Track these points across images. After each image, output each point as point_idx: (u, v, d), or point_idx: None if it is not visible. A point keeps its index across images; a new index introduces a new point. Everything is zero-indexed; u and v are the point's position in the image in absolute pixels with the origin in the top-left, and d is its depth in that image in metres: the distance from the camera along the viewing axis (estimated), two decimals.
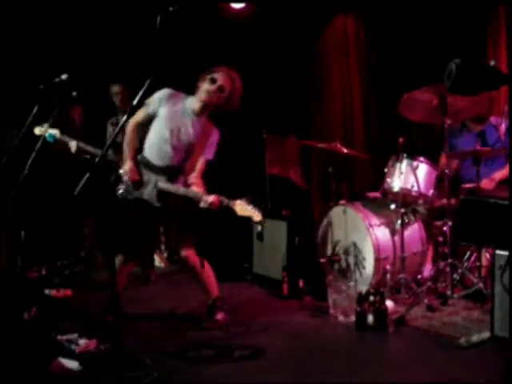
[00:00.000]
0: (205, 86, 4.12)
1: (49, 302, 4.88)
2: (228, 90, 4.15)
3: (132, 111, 2.74)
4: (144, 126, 4.22)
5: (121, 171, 4.15)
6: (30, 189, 4.15)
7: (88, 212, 6.51)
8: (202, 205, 4.01)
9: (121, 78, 5.58)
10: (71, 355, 3.74)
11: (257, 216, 3.93)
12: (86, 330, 4.10)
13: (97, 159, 2.61)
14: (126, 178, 4.16)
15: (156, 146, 4.18)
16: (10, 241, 5.49)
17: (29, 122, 3.96)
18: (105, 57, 4.98)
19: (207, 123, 4.24)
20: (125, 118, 2.72)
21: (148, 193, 4.15)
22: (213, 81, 4.12)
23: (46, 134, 4.50)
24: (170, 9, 2.70)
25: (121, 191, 4.13)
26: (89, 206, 6.22)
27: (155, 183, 4.13)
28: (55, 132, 4.59)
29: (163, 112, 4.18)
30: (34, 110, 3.99)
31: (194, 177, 4.18)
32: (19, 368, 3.36)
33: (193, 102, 4.20)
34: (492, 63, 1.90)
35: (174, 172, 4.16)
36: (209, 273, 4.40)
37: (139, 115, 4.19)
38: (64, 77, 4.04)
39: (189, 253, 4.29)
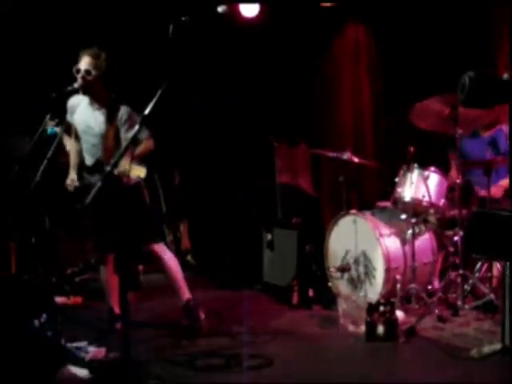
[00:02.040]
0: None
1: (58, 310, 4.89)
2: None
3: (143, 121, 2.74)
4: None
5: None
6: (42, 196, 4.18)
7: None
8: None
9: (132, 86, 5.61)
10: (80, 363, 3.74)
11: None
12: (95, 337, 4.10)
13: (108, 168, 2.61)
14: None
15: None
16: (21, 248, 5.51)
17: (41, 130, 3.99)
18: (116, 65, 4.99)
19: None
20: (136, 127, 2.72)
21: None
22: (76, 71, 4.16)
23: (48, 128, 4.56)
24: (182, 19, 2.72)
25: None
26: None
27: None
28: (54, 126, 4.65)
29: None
30: (47, 118, 4.02)
31: None
32: (28, 375, 3.36)
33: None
34: (505, 76, 1.89)
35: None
36: (177, 270, 4.46)
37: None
38: (76, 85, 4.08)
39: (155, 247, 4.38)
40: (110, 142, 4.18)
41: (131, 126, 4.15)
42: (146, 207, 4.43)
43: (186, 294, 4.46)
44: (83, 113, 4.30)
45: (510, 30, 5.19)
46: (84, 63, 4.12)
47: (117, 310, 4.39)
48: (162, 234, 4.47)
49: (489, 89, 1.88)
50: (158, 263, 4.52)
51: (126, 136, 4.15)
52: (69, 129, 4.40)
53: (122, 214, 4.17)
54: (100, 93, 4.21)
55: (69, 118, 4.36)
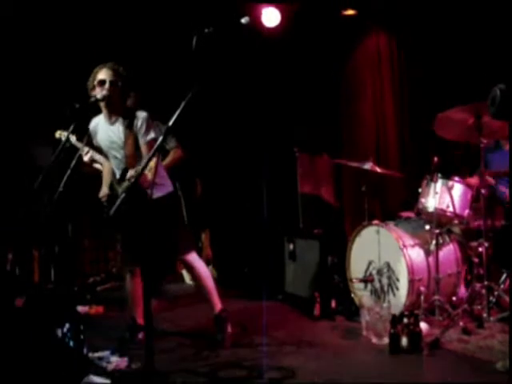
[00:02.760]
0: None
1: (81, 319, 4.91)
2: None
3: (168, 132, 2.75)
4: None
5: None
6: (65, 206, 4.21)
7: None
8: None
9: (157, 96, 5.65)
10: (103, 373, 3.75)
11: None
12: (117, 347, 4.10)
13: (133, 180, 2.61)
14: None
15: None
16: (44, 257, 5.55)
17: (65, 140, 4.02)
18: (140, 76, 5.03)
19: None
20: (160, 139, 2.72)
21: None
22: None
23: (63, 138, 4.65)
24: (206, 30, 2.72)
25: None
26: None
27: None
28: (72, 137, 4.72)
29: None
30: (70, 129, 4.05)
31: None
32: None
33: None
34: None
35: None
36: (209, 279, 4.45)
37: None
38: (100, 96, 4.10)
39: (187, 257, 4.37)
40: (130, 148, 4.20)
41: (147, 131, 4.19)
42: (177, 218, 4.47)
43: (219, 304, 4.45)
44: (103, 130, 4.35)
45: None
46: (108, 75, 4.16)
47: (140, 320, 4.39)
48: (192, 242, 4.46)
49: None
50: (191, 273, 4.53)
51: (145, 140, 4.18)
52: (100, 150, 4.49)
53: (155, 226, 4.18)
54: (118, 103, 4.25)
55: (94, 142, 4.44)
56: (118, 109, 4.26)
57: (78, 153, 4.44)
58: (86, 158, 4.68)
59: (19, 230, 5.20)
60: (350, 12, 6.40)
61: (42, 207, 4.31)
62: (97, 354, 4.03)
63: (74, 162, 4.07)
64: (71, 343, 3.85)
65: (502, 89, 1.84)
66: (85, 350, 3.91)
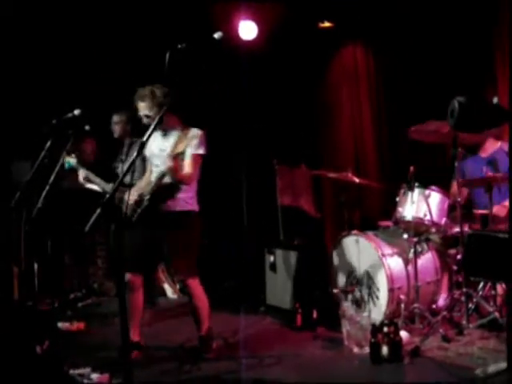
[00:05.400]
0: None
1: (61, 335, 4.88)
2: None
3: (141, 148, 2.76)
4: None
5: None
6: (44, 222, 4.18)
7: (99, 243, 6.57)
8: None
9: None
10: None
11: None
12: (98, 364, 4.08)
13: (108, 196, 2.62)
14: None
15: None
16: (23, 274, 5.51)
17: (42, 156, 4.00)
18: (117, 90, 5.04)
19: None
20: (134, 155, 2.73)
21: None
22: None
23: (65, 161, 4.62)
24: (179, 46, 2.74)
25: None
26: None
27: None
28: (73, 160, 4.71)
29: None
30: (48, 144, 4.03)
31: None
32: None
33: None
34: (495, 100, 1.90)
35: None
36: (206, 305, 4.39)
37: None
38: (76, 112, 4.10)
39: (190, 281, 4.32)
40: (176, 158, 4.16)
41: (198, 145, 4.22)
42: (189, 239, 4.32)
43: (204, 328, 4.36)
44: (156, 139, 4.34)
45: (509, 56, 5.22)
46: (141, 109, 4.23)
47: (134, 337, 4.33)
48: (195, 269, 4.37)
49: (478, 113, 1.89)
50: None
51: (194, 152, 4.20)
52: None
53: (166, 242, 4.22)
54: (169, 119, 4.25)
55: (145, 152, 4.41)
56: (170, 124, 4.29)
57: (57, 168, 4.40)
58: (81, 178, 4.75)
59: None
60: (327, 24, 6.46)
61: (21, 224, 4.28)
62: (77, 371, 3.99)
63: (52, 177, 4.06)
64: (51, 360, 3.83)
65: (461, 101, 1.88)
66: (65, 367, 3.90)
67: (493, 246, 2.69)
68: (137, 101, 4.23)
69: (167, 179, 4.18)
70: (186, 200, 4.28)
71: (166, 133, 4.33)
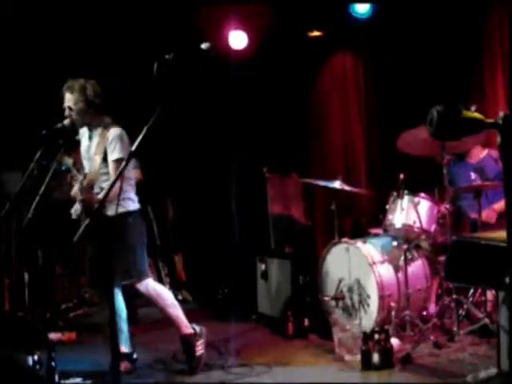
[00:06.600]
0: None
1: (52, 346, 4.85)
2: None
3: (130, 157, 2.76)
4: None
5: None
6: (34, 233, 4.18)
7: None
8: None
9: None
10: None
11: None
12: (89, 374, 4.07)
13: (96, 206, 2.62)
14: None
15: None
16: (14, 285, 5.49)
17: (32, 167, 4.00)
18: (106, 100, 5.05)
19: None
20: (123, 164, 2.74)
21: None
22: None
23: (63, 162, 4.61)
24: (166, 56, 2.76)
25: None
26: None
27: None
28: (70, 161, 4.71)
29: None
30: (38, 155, 4.03)
31: None
32: None
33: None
34: (472, 109, 1.94)
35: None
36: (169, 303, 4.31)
37: None
38: (66, 122, 4.11)
39: (137, 284, 4.22)
40: (95, 164, 4.16)
41: (114, 149, 4.14)
42: (130, 240, 4.22)
43: (182, 328, 4.29)
44: (85, 138, 4.34)
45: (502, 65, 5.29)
46: (69, 100, 4.17)
47: (123, 348, 4.30)
48: (144, 270, 4.25)
49: (456, 122, 1.93)
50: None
51: (111, 158, 4.14)
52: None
53: (106, 250, 4.10)
54: (93, 119, 4.24)
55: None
56: (95, 123, 4.25)
57: (47, 178, 4.38)
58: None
59: None
60: (316, 33, 6.50)
61: (11, 235, 4.28)
62: (69, 382, 3.98)
63: (42, 187, 4.06)
64: (42, 371, 3.82)
65: (439, 110, 1.91)
66: (56, 378, 3.89)
67: (477, 252, 2.72)
68: (64, 91, 4.18)
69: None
70: (120, 202, 4.05)
71: (91, 133, 4.31)
